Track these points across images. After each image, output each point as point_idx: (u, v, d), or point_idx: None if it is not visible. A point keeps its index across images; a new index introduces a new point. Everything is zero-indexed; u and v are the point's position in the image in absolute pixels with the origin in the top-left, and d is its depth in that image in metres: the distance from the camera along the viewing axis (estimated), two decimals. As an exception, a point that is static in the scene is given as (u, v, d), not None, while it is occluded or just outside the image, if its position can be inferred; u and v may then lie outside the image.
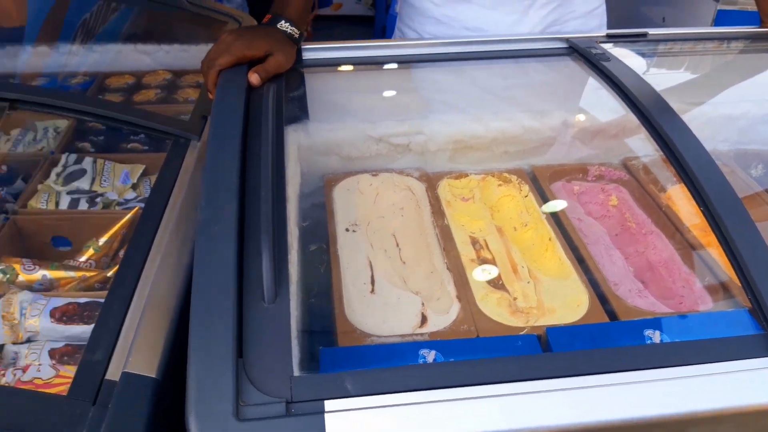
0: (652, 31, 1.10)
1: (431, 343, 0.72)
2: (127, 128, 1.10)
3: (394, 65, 1.06)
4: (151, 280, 0.74)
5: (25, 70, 1.47)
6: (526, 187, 1.05)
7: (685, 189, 0.77)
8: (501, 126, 1.05)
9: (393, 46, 1.06)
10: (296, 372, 0.55)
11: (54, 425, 0.58)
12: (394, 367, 0.54)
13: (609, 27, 1.21)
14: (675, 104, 1.11)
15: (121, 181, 1.08)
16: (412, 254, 0.94)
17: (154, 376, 0.62)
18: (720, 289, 0.80)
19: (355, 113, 1.04)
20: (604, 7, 1.19)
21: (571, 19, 1.15)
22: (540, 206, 1.00)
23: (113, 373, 0.63)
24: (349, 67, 1.06)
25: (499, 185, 1.09)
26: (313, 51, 1.04)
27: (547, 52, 1.06)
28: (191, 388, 0.49)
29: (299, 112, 1.02)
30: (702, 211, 0.67)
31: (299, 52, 1.01)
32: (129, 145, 1.20)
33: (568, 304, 0.79)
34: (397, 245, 0.97)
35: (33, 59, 1.49)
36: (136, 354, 0.64)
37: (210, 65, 0.91)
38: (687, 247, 0.92)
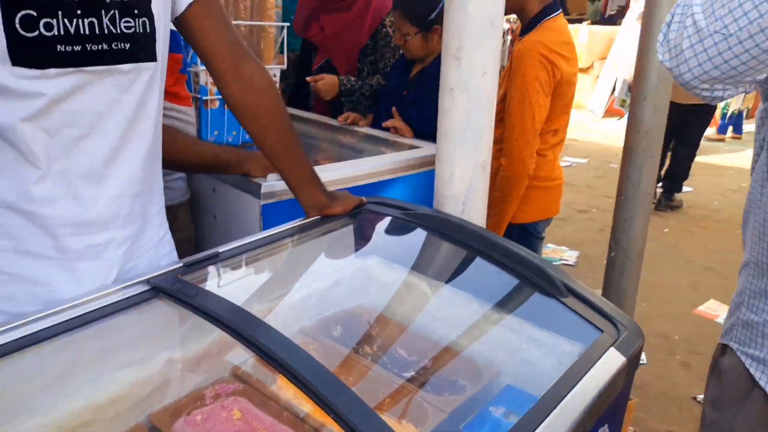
0: (221, 248, 1.22)
1: None
2: None
3: None
4: None
5: None
6: (148, 446, 1.00)
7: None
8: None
9: None
10: None
11: None
12: None
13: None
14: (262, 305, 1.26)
15: None
16: None
17: None
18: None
19: None
20: (170, 234, 1.24)
21: (144, 252, 1.17)
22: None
23: None
24: None
25: (122, 452, 1.00)
26: None
27: (133, 301, 1.05)
28: None
29: None
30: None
31: None
32: None
33: None
34: None
35: None
36: None
37: None
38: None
